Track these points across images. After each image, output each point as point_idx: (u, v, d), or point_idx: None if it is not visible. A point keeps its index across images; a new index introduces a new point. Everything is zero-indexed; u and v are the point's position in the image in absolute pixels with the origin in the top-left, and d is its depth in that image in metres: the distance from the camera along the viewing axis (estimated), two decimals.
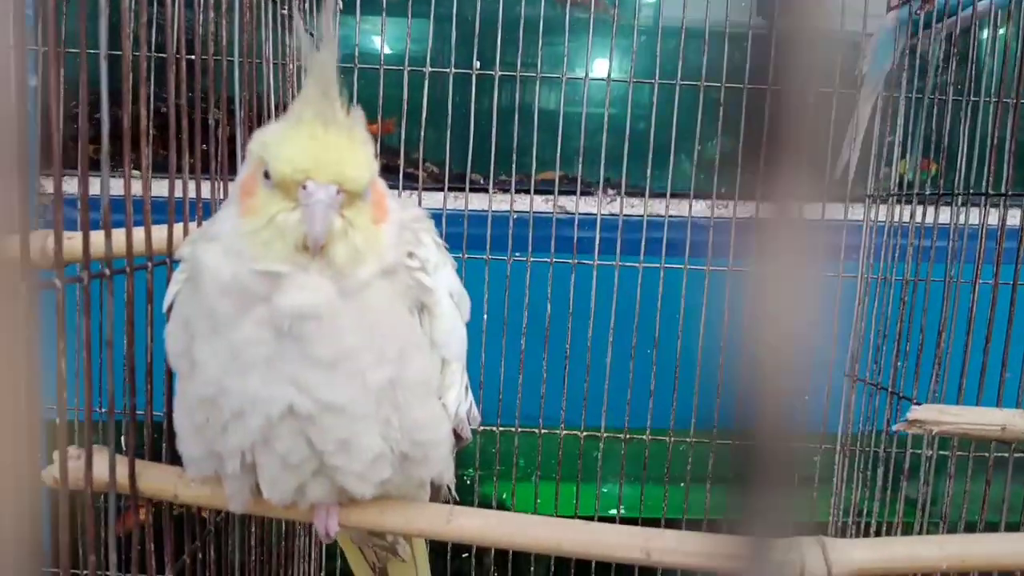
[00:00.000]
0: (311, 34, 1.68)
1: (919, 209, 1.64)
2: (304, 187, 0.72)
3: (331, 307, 0.75)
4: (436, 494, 1.02)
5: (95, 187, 0.81)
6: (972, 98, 1.61)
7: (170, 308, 0.85)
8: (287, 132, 0.75)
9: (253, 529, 1.39)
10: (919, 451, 1.71)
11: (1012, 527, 1.44)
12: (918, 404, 1.16)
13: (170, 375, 0.95)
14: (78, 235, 0.81)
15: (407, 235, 0.84)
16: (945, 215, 1.61)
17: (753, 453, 0.28)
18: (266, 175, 0.75)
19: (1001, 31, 1.56)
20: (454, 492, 1.05)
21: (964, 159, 1.60)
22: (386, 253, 0.79)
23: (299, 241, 0.73)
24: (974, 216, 1.58)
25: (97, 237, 0.83)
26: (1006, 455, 1.50)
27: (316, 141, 0.73)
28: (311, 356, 0.76)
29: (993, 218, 1.50)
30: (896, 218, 1.69)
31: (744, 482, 0.28)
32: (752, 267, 0.27)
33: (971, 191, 1.58)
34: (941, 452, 1.67)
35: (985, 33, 1.57)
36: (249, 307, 0.75)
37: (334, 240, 0.74)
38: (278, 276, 0.74)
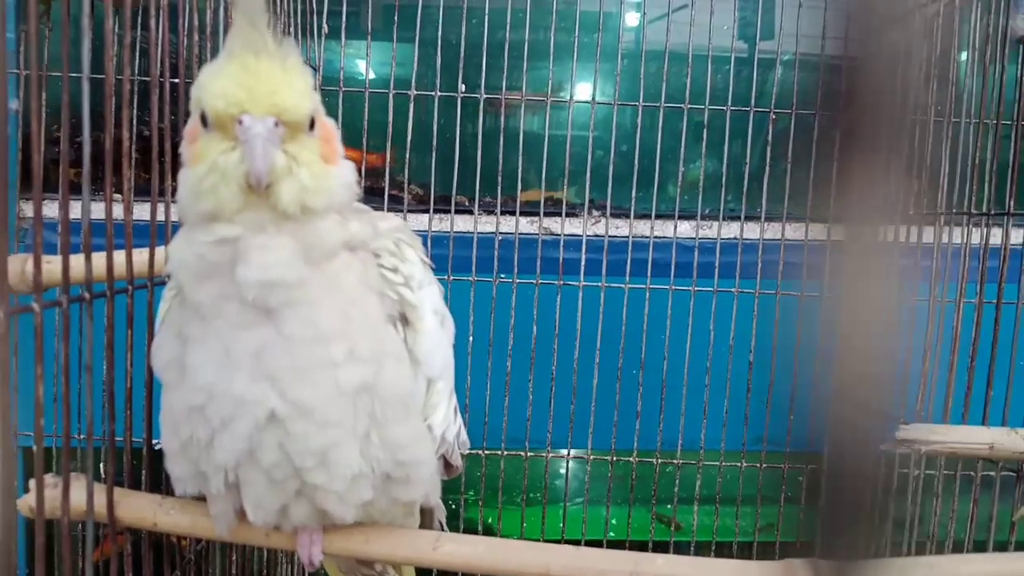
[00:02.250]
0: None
1: (903, 229, 1.65)
2: (240, 122, 0.69)
3: (295, 270, 0.73)
4: (429, 522, 1.00)
5: (76, 211, 0.80)
6: (953, 119, 1.63)
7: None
8: (218, 67, 0.72)
9: (234, 558, 1.37)
10: (906, 471, 1.70)
11: (1000, 546, 1.43)
12: (905, 424, 1.16)
13: (150, 401, 0.93)
14: (58, 259, 0.80)
15: (384, 242, 0.83)
16: (928, 235, 1.62)
17: (833, 476, 0.27)
18: (204, 118, 0.72)
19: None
20: (443, 523, 1.03)
21: (946, 179, 1.61)
22: (340, 195, 0.76)
23: (242, 181, 0.70)
24: (957, 236, 1.59)
25: (77, 261, 0.81)
26: (992, 474, 1.50)
27: (248, 72, 0.70)
28: (286, 334, 0.73)
29: (976, 237, 1.51)
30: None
31: (821, 505, 0.28)
32: (831, 288, 0.27)
33: (953, 211, 1.59)
34: (928, 472, 1.67)
35: (964, 55, 1.58)
36: (224, 286, 0.73)
37: (279, 178, 0.70)
38: (235, 241, 0.72)
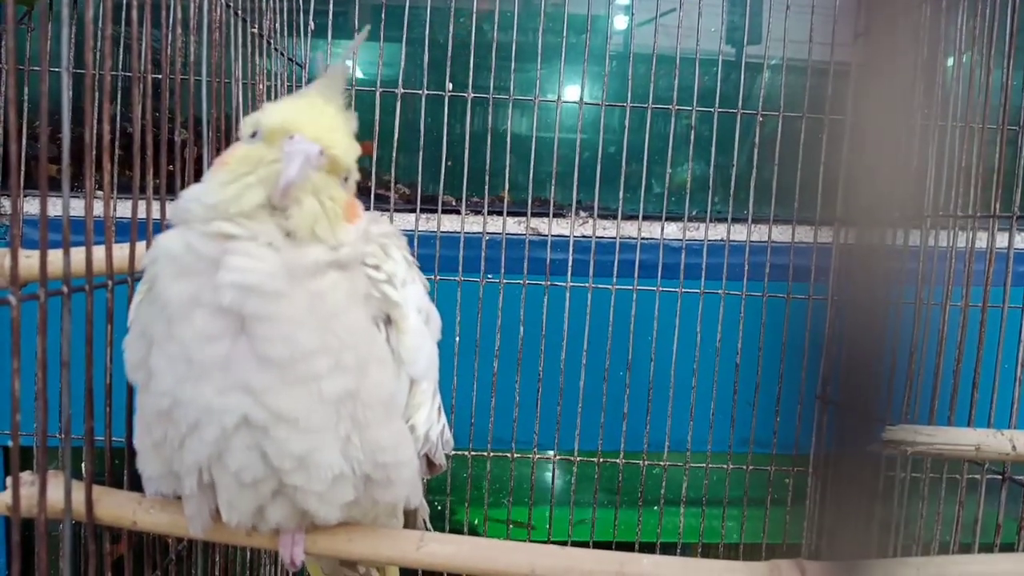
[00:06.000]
0: (283, 54, 1.66)
1: (888, 232, 1.65)
2: (291, 138, 0.73)
3: (275, 282, 0.72)
4: (413, 522, 0.99)
5: (56, 207, 0.78)
6: (939, 122, 1.63)
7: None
8: (287, 99, 0.79)
9: (217, 558, 1.36)
10: (892, 473, 1.71)
11: (985, 548, 1.44)
12: (892, 425, 1.16)
13: (130, 397, 0.92)
14: (37, 253, 0.79)
15: (373, 247, 0.82)
16: (914, 238, 1.62)
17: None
18: (253, 136, 0.76)
19: (965, 57, 1.59)
20: (428, 522, 1.02)
21: (932, 182, 1.62)
22: (344, 241, 0.77)
23: (270, 187, 0.72)
24: (943, 239, 1.59)
25: (56, 256, 0.80)
26: (978, 476, 1.50)
27: (313, 108, 0.76)
28: (261, 354, 0.72)
29: (961, 240, 1.51)
30: None
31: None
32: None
33: (940, 213, 1.59)
34: (914, 474, 1.68)
35: (950, 59, 1.59)
36: (199, 290, 0.72)
37: (301, 197, 0.73)
38: (227, 239, 0.72)
